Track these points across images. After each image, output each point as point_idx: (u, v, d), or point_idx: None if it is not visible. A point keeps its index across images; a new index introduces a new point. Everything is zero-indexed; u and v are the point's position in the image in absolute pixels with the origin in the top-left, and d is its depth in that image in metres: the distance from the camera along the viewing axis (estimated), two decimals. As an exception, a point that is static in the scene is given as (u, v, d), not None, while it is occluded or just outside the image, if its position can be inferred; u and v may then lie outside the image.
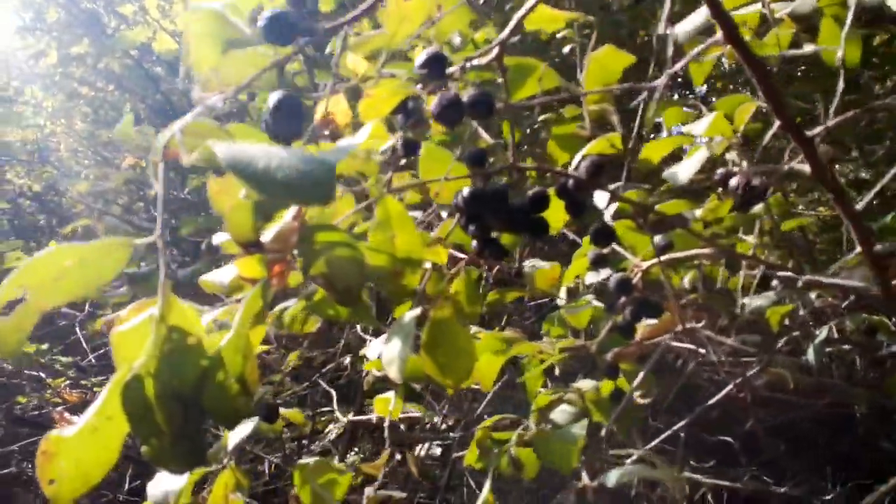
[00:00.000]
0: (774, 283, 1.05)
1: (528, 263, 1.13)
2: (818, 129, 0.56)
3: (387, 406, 0.98)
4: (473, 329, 1.04)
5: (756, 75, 0.54)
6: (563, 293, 1.06)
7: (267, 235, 0.65)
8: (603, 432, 0.80)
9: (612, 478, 0.63)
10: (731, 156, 0.78)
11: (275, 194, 0.39)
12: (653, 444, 1.04)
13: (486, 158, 0.75)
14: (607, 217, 0.90)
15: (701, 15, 0.82)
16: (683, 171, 0.77)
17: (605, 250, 0.85)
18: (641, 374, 0.86)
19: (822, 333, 1.07)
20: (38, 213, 4.28)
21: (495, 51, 0.66)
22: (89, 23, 3.86)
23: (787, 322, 1.07)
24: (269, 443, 2.34)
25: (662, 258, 0.78)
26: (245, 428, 0.89)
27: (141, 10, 3.00)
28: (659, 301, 0.80)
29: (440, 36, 0.82)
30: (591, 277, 0.94)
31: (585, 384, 0.89)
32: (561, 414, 0.85)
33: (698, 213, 0.93)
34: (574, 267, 0.96)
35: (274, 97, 0.49)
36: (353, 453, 2.45)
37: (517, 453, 0.89)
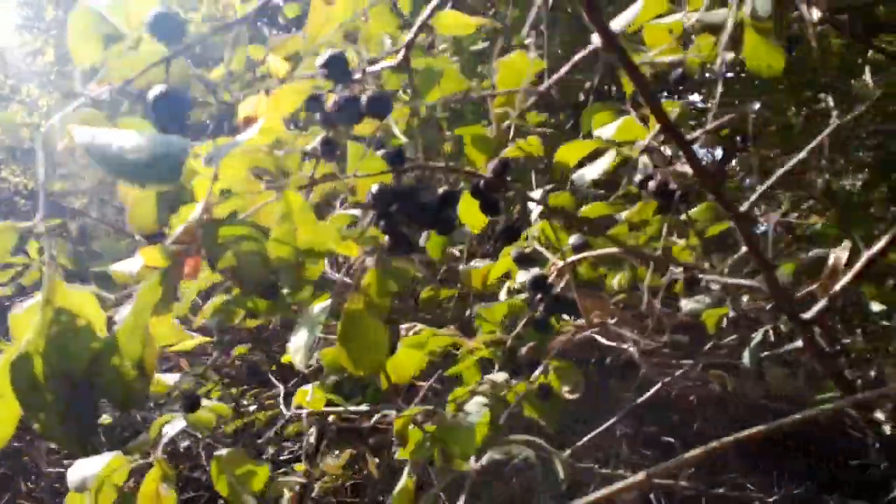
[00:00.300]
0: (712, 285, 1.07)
1: (474, 263, 1.15)
2: (698, 133, 0.58)
3: (305, 398, 1.00)
4: (419, 326, 1.05)
5: (634, 81, 0.57)
6: (503, 293, 1.08)
7: (178, 229, 0.67)
8: (502, 419, 0.82)
9: (485, 457, 0.65)
10: (644, 159, 0.81)
11: (124, 175, 0.42)
12: (585, 439, 1.06)
13: (403, 157, 0.77)
14: (534, 217, 0.92)
15: (622, 20, 0.84)
16: (590, 173, 0.79)
17: (527, 249, 0.88)
18: (539, 370, 0.88)
19: (757, 336, 1.08)
20: (33, 212, 4.30)
21: (402, 53, 0.68)
22: (87, 23, 3.89)
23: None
24: (244, 444, 2.35)
25: (576, 257, 0.80)
26: (177, 424, 0.91)
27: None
28: (573, 298, 0.82)
29: (369, 39, 0.85)
30: (522, 276, 0.96)
31: (498, 377, 0.91)
32: (473, 405, 0.87)
33: (624, 215, 0.96)
34: (498, 265, 0.99)
35: (154, 91, 0.51)
36: (335, 455, 2.46)
37: (446, 446, 0.91)
